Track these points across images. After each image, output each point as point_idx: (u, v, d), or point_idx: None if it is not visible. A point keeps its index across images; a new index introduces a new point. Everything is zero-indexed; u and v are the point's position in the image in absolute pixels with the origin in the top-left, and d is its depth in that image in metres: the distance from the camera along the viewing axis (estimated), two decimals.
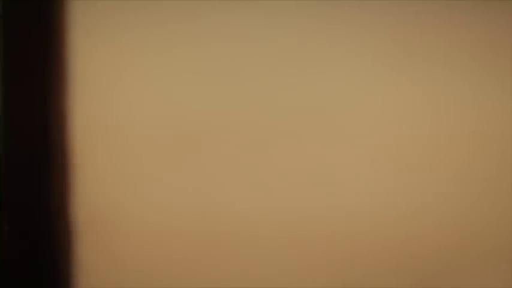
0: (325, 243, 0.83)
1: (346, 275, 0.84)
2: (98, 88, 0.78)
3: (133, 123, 0.80)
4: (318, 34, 0.81)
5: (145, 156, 0.80)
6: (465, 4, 0.83)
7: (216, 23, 0.80)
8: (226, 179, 0.83)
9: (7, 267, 0.78)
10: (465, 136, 0.85)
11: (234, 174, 0.83)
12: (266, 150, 0.82)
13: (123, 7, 0.77)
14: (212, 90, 0.81)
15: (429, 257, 0.84)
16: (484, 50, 0.84)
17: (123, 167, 0.79)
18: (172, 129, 0.81)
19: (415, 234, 0.84)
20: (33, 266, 0.78)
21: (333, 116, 0.83)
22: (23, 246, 0.78)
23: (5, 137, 0.78)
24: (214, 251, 0.84)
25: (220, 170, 0.82)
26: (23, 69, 0.76)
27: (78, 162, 0.77)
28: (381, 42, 0.82)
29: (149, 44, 0.78)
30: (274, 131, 0.82)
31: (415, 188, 0.84)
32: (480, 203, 0.85)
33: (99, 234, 0.80)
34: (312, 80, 0.81)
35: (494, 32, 0.84)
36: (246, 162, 0.82)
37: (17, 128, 0.77)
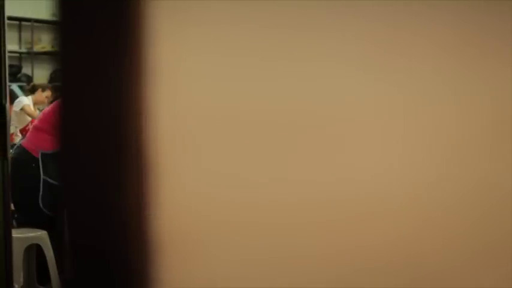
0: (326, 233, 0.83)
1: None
2: (178, 86, 0.75)
3: (215, 121, 0.76)
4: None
5: (231, 157, 0.75)
6: (449, 3, 0.83)
7: (285, 25, 0.79)
8: (319, 178, 0.81)
9: None
10: (455, 133, 0.85)
11: (323, 171, 0.82)
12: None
13: (203, 5, 0.75)
14: (299, 88, 0.80)
15: (425, 256, 0.83)
16: (468, 50, 0.85)
17: (209, 170, 0.75)
18: (263, 127, 0.78)
19: (410, 232, 0.83)
20: None
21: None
22: (91, 268, 0.70)
23: (68, 141, 0.72)
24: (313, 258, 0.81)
25: (313, 169, 0.81)
26: (92, 67, 0.71)
27: (157, 166, 0.71)
28: (370, 43, 0.82)
29: (229, 41, 0.76)
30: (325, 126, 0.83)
31: (411, 186, 0.84)
32: (477, 202, 0.85)
33: (185, 251, 0.73)
34: (323, 80, 0.82)
35: (477, 31, 0.85)
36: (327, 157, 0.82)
37: (84, 129, 0.71)
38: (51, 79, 8.92)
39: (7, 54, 2.78)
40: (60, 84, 0.75)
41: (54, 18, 0.75)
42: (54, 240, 3.70)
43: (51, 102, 4.40)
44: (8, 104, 2.79)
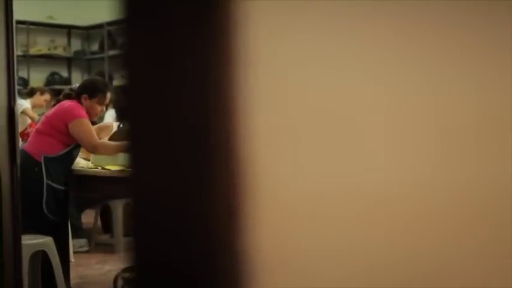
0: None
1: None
2: (275, 85, 0.72)
3: (314, 119, 0.74)
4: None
5: (332, 154, 0.72)
6: (467, 4, 0.84)
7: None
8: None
9: None
10: (454, 134, 0.85)
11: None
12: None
13: (301, 6, 0.72)
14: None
15: (423, 255, 0.83)
16: (461, 52, 0.85)
17: (310, 168, 0.70)
18: (363, 124, 0.76)
19: (409, 233, 0.82)
20: None
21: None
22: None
23: (144, 145, 0.67)
24: None
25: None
26: (174, 67, 0.66)
27: (253, 165, 0.66)
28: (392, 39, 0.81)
29: (325, 42, 0.74)
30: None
31: (414, 185, 0.83)
32: (477, 201, 0.85)
33: (286, 253, 0.67)
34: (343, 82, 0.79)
35: (469, 34, 0.85)
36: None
37: (164, 131, 0.66)
38: (48, 82, 8.86)
39: (16, 58, 2.71)
40: (131, 86, 0.70)
41: (122, 18, 0.70)
42: (58, 246, 3.65)
43: (53, 105, 4.32)
44: (16, 108, 2.72)
